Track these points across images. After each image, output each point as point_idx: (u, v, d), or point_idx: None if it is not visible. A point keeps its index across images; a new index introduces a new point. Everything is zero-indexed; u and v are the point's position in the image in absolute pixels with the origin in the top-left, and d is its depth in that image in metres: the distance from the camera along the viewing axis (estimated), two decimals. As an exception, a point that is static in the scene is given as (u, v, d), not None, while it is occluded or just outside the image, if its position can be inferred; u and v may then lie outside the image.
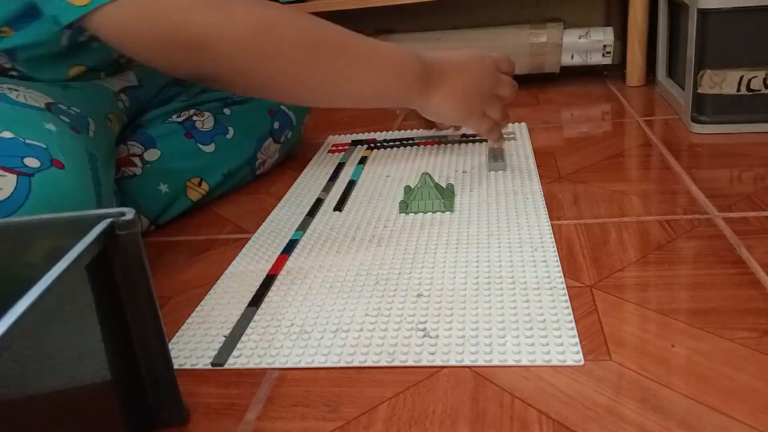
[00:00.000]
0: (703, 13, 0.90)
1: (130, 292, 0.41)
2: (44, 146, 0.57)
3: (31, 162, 0.55)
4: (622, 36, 1.33)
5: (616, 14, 1.41)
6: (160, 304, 0.61)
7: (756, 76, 0.90)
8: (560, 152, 0.93)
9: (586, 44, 1.27)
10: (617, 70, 1.37)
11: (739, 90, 0.91)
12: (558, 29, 1.27)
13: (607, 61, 1.28)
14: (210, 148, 0.85)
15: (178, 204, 0.82)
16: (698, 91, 0.93)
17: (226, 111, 0.89)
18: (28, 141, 0.56)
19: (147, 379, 0.43)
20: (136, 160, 0.79)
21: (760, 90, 0.90)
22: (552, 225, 0.70)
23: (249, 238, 0.75)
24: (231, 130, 0.88)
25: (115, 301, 0.41)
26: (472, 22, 1.39)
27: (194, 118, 0.86)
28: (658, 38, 1.18)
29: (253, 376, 0.50)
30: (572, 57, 1.29)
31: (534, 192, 0.78)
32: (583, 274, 0.60)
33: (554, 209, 0.74)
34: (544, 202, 0.75)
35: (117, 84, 0.83)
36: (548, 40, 1.28)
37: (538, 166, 0.87)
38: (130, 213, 0.40)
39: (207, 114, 0.87)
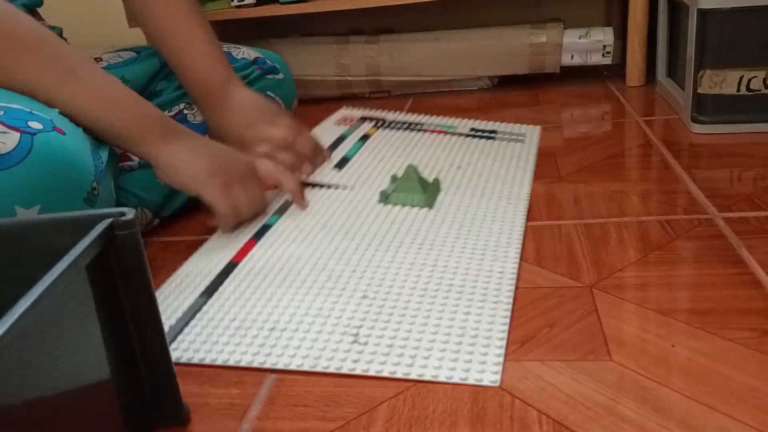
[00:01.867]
0: (703, 13, 0.90)
1: (130, 292, 0.41)
2: (49, 118, 0.59)
3: (35, 125, 0.57)
4: (622, 36, 1.33)
5: (616, 14, 1.41)
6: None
7: (756, 76, 0.90)
8: (560, 152, 0.93)
9: (586, 44, 1.27)
10: (617, 70, 1.36)
11: (739, 90, 0.91)
12: (558, 29, 1.27)
13: (607, 61, 1.28)
14: None
15: (179, 196, 0.82)
16: (698, 91, 0.93)
17: None
18: (34, 112, 0.58)
19: (147, 379, 0.43)
20: (132, 154, 0.79)
21: (760, 90, 0.90)
22: (552, 225, 0.70)
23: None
24: None
25: (115, 301, 0.41)
26: (472, 22, 1.39)
27: (185, 111, 0.86)
28: (658, 38, 1.18)
29: (253, 376, 0.50)
30: (572, 57, 1.29)
31: (520, 198, 0.76)
32: (583, 274, 0.60)
33: (554, 209, 0.74)
34: (525, 209, 0.73)
35: None
36: (548, 40, 1.28)
37: (537, 167, 0.87)
38: (130, 213, 0.40)
39: (197, 108, 0.87)
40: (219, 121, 0.81)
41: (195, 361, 0.51)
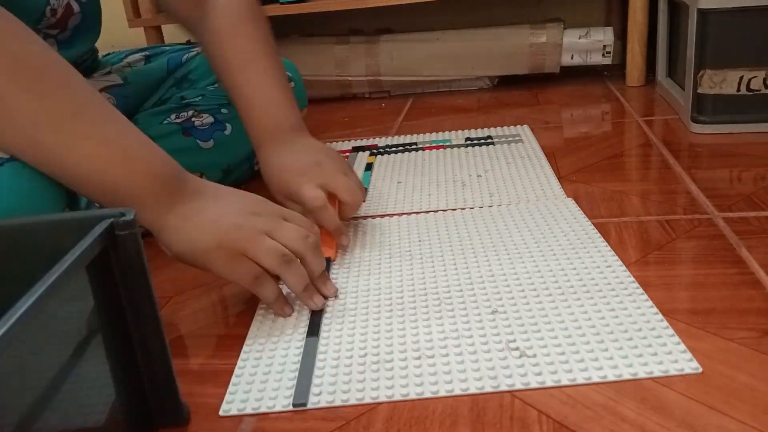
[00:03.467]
0: (703, 13, 0.90)
1: (130, 292, 0.41)
2: None
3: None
4: (622, 36, 1.33)
5: (616, 14, 1.41)
6: (160, 304, 0.61)
7: (756, 76, 0.90)
8: (560, 152, 0.93)
9: (586, 44, 1.27)
10: (617, 70, 1.37)
11: (739, 90, 0.91)
12: (558, 29, 1.28)
13: (607, 61, 1.28)
14: (209, 145, 0.85)
15: None
16: (698, 91, 0.93)
17: (224, 110, 0.89)
18: None
19: (147, 379, 0.43)
20: None
21: (760, 90, 0.90)
22: (552, 225, 0.70)
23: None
24: (229, 127, 0.88)
25: (115, 301, 0.41)
26: (472, 22, 1.39)
27: (193, 119, 0.86)
28: (658, 38, 1.18)
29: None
30: (572, 57, 1.29)
31: (557, 195, 0.76)
32: (583, 274, 0.60)
33: (554, 209, 0.74)
34: (574, 204, 0.73)
35: (97, 84, 0.83)
36: (548, 40, 1.28)
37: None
38: (130, 213, 0.40)
39: (206, 114, 0.87)
40: (270, 169, 0.71)
41: (352, 402, 0.46)
